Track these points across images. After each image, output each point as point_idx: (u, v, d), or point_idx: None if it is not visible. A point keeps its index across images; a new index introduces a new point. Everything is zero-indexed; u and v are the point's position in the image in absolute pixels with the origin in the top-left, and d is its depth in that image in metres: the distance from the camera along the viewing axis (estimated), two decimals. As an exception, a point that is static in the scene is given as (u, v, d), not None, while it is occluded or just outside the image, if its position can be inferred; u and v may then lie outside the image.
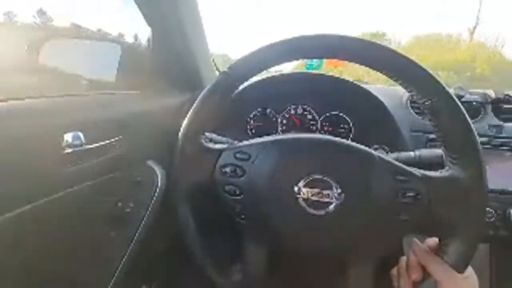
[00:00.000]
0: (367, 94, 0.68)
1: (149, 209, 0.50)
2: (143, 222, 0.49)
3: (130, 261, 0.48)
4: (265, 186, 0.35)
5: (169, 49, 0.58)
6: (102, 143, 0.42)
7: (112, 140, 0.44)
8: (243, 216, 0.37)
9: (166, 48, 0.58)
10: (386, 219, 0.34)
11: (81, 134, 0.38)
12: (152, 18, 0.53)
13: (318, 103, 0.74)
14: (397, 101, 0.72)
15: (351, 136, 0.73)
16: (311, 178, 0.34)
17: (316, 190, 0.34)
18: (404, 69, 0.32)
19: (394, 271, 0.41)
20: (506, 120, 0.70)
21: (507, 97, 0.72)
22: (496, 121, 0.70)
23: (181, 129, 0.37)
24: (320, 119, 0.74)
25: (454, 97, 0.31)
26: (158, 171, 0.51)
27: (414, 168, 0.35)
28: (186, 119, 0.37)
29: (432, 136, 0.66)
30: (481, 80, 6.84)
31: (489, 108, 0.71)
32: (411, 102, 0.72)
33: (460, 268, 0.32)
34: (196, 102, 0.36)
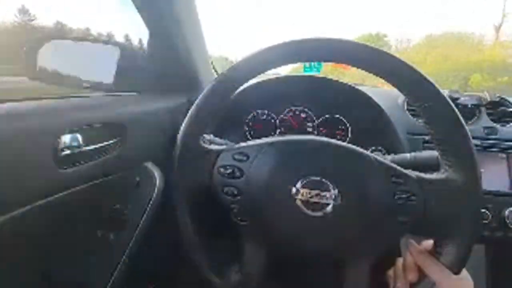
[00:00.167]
0: (364, 96, 0.69)
1: (148, 210, 0.50)
2: (141, 223, 0.49)
3: (128, 263, 0.48)
4: (263, 187, 0.35)
5: (167, 51, 0.58)
6: (100, 144, 0.42)
7: (110, 141, 0.44)
8: (241, 217, 0.37)
9: (165, 50, 0.58)
10: (382, 220, 0.34)
11: (79, 136, 0.38)
12: (151, 20, 0.54)
13: (316, 105, 0.75)
14: (394, 103, 0.73)
15: (348, 138, 0.73)
16: (308, 180, 0.34)
17: (313, 191, 0.34)
18: (399, 72, 0.32)
19: (390, 272, 0.41)
20: (500, 122, 0.71)
21: (501, 100, 0.73)
22: (490, 124, 0.71)
23: (180, 131, 0.37)
24: (318, 121, 0.75)
25: (449, 101, 0.31)
26: (157, 173, 0.51)
27: (410, 170, 0.35)
28: (185, 121, 0.37)
29: (428, 138, 0.67)
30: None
31: (483, 110, 0.72)
32: (408, 104, 0.73)
33: (456, 269, 0.33)
34: (195, 104, 0.36)
